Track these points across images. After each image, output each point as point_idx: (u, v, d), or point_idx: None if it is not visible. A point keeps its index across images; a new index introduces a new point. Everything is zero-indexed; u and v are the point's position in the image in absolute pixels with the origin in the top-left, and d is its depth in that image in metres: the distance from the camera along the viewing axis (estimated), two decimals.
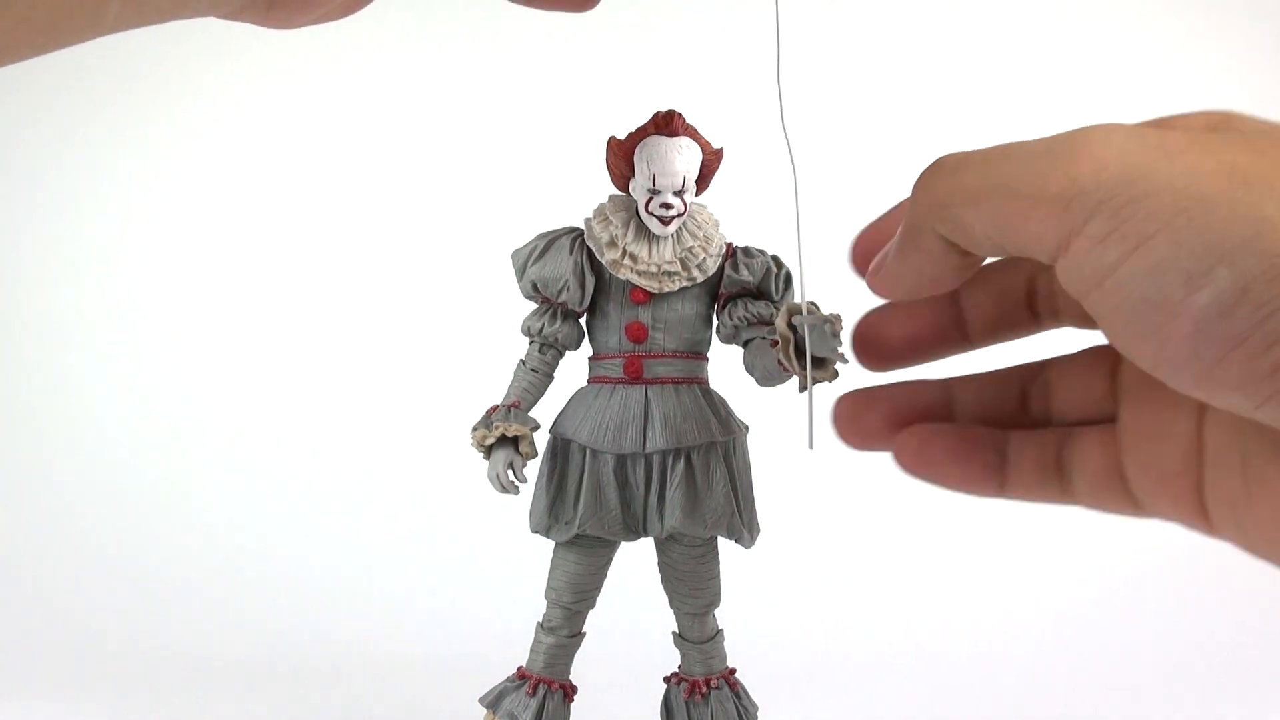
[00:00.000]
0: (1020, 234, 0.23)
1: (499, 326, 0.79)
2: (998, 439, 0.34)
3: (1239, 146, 0.22)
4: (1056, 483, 0.33)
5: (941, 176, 0.26)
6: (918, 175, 0.28)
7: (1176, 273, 0.21)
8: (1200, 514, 0.28)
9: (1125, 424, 0.32)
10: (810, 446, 0.45)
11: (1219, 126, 0.25)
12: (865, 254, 0.32)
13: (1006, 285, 0.36)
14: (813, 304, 0.58)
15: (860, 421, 0.36)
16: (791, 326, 0.55)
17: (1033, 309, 0.36)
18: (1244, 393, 0.21)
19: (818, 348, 0.54)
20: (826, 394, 0.42)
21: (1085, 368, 0.35)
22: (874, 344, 0.35)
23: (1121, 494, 0.31)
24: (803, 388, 0.57)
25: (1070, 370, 0.36)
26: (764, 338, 0.67)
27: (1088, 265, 0.22)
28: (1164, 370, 0.23)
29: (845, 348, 0.56)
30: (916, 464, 0.34)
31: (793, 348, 0.55)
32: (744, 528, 0.68)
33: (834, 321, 0.54)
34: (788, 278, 0.69)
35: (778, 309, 0.69)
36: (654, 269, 0.65)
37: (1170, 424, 0.29)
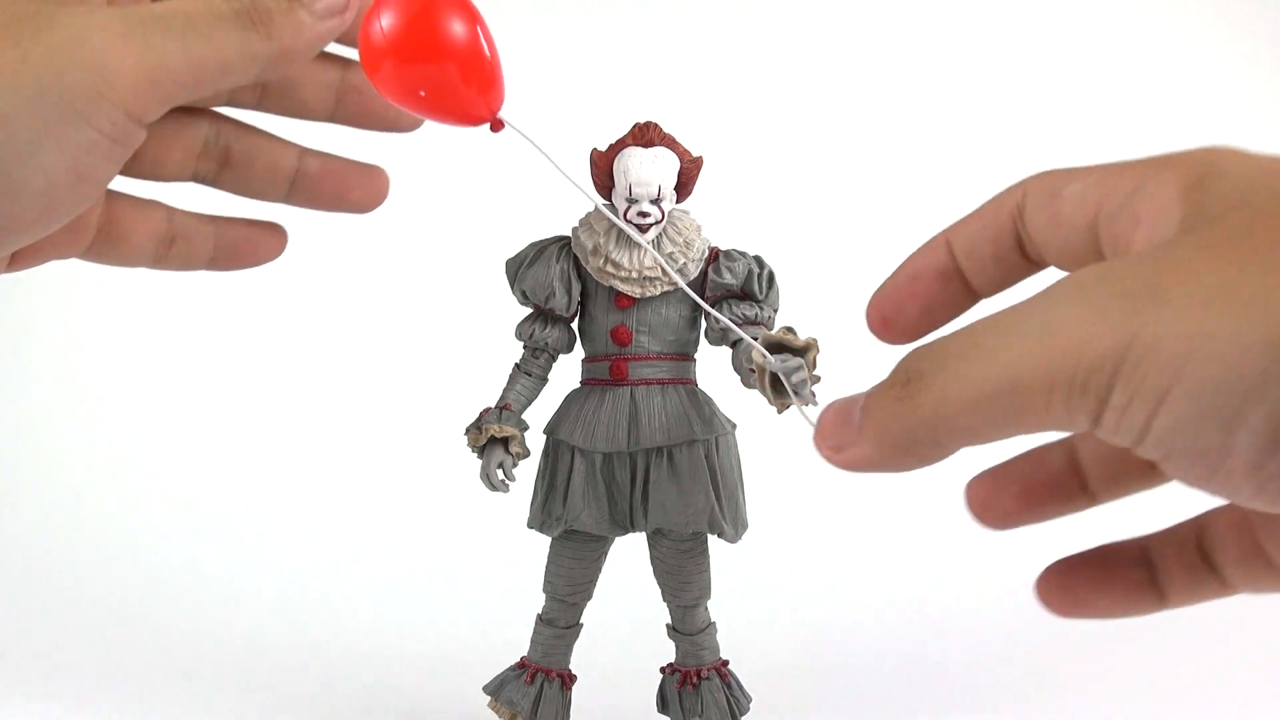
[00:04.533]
0: (1042, 423, 0.22)
1: (498, 331, 0.82)
2: (1138, 549, 0.31)
3: (1220, 256, 0.21)
4: (1212, 580, 0.29)
5: (925, 389, 0.24)
6: (883, 388, 0.26)
7: (1206, 420, 0.20)
8: None
9: None
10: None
11: (1200, 182, 0.23)
12: (883, 320, 0.31)
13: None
14: (789, 329, 0.60)
15: (995, 507, 0.32)
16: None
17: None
18: None
19: (793, 392, 0.55)
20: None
21: None
22: (988, 504, 0.32)
23: (1273, 573, 0.28)
24: (779, 411, 0.59)
25: None
26: (753, 338, 0.70)
27: (1122, 431, 0.21)
28: (1238, 500, 0.22)
29: (821, 386, 0.58)
30: (1069, 607, 0.31)
31: (767, 378, 0.57)
32: (725, 523, 0.70)
33: (806, 365, 0.56)
34: (770, 277, 0.71)
35: (762, 308, 0.71)
36: (635, 275, 0.68)
37: None
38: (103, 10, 0.27)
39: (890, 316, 0.30)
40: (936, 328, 0.30)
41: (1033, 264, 0.29)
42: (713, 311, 0.34)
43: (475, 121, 0.32)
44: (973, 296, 0.29)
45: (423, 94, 0.31)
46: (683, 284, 0.35)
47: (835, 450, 0.27)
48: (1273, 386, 0.19)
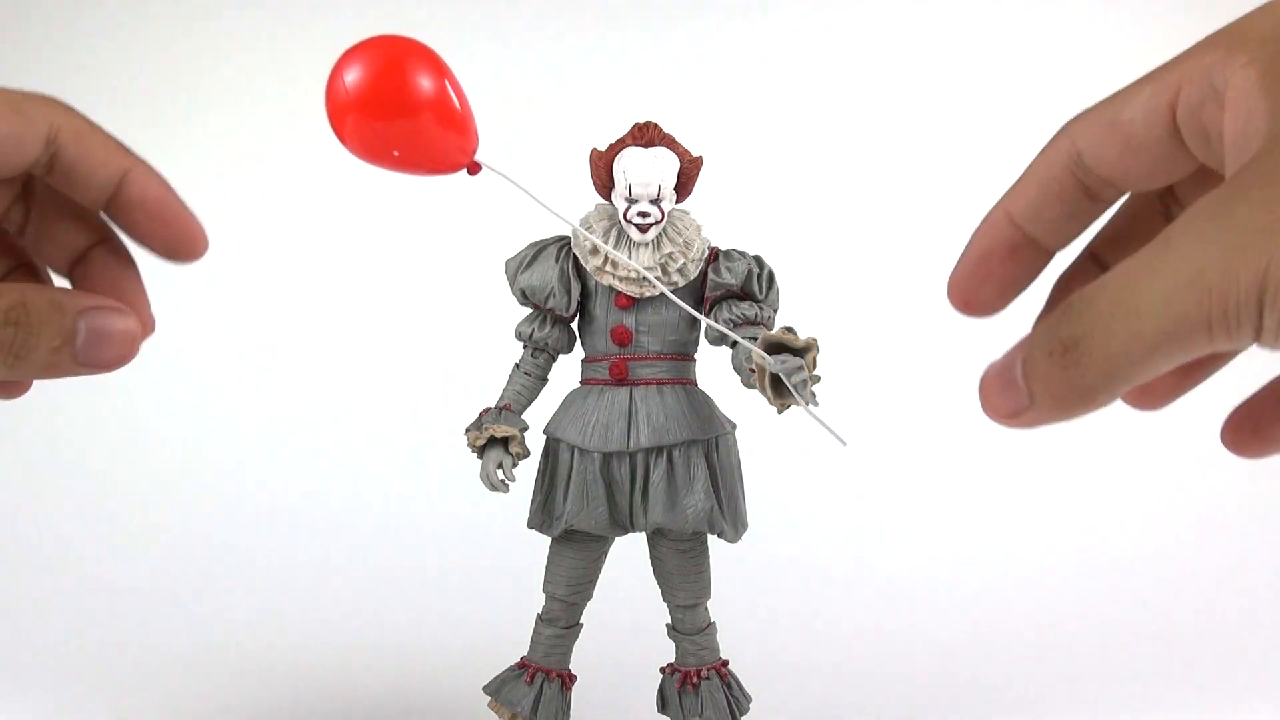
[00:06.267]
0: (1208, 351, 0.24)
1: (498, 331, 0.82)
2: None
3: None
4: None
5: (1089, 354, 0.26)
6: (1041, 357, 0.27)
7: None
8: None
9: None
10: (844, 444, 0.46)
11: (1276, 66, 0.24)
12: (966, 304, 0.32)
13: None
14: (789, 329, 0.60)
15: (1254, 443, 0.33)
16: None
17: None
18: None
19: (794, 391, 0.55)
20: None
21: None
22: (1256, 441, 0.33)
23: None
24: (779, 411, 0.59)
25: None
26: (752, 338, 0.70)
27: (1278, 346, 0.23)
28: None
29: (821, 385, 0.58)
30: (1261, 445, 0.32)
31: (768, 379, 0.57)
32: (725, 523, 0.70)
33: (806, 365, 0.56)
34: (770, 277, 0.71)
35: (762, 308, 0.71)
36: (634, 274, 0.68)
37: None
38: None
39: (972, 300, 0.31)
40: (1017, 296, 0.31)
41: (1103, 203, 0.30)
42: (706, 320, 0.34)
43: (452, 169, 0.32)
44: (1047, 256, 0.31)
45: (397, 154, 0.30)
46: (674, 297, 0.35)
47: (1010, 417, 0.29)
48: None
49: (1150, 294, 0.24)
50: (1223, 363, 0.32)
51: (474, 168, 0.33)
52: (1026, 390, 0.27)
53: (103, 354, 0.29)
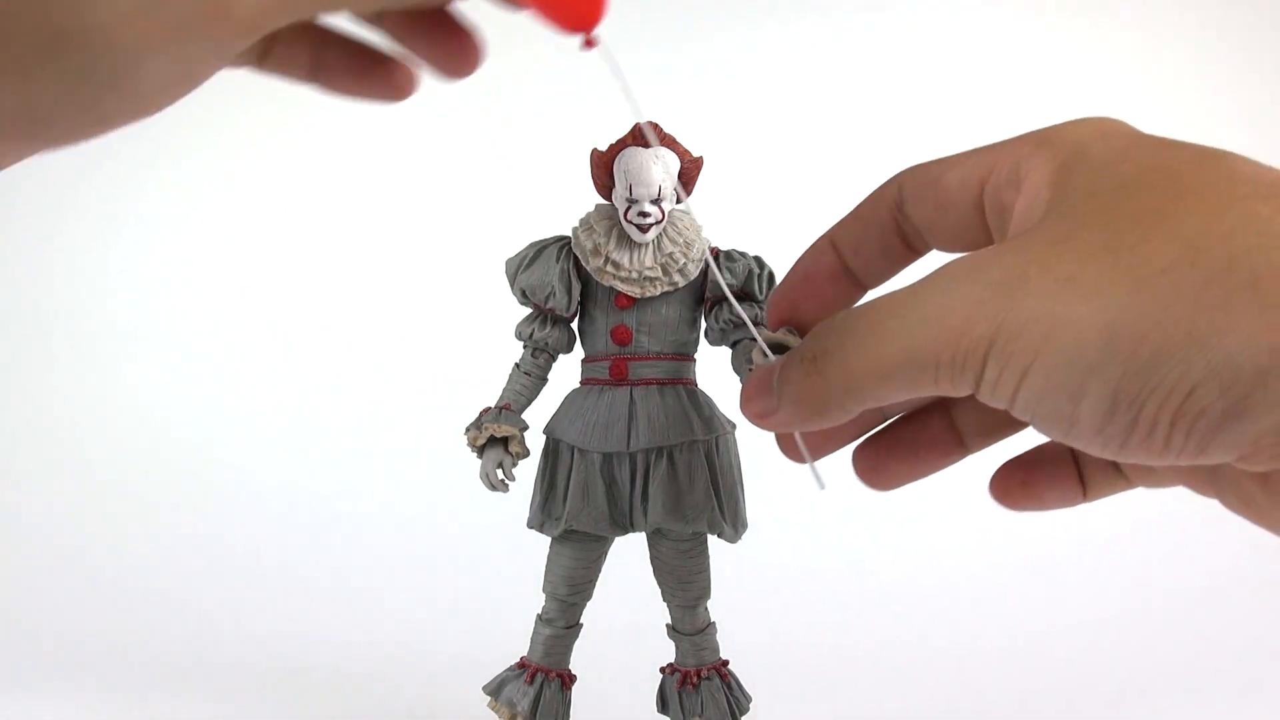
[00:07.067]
0: (932, 390, 0.26)
1: (498, 331, 0.82)
2: (1065, 450, 0.34)
3: (1072, 249, 0.24)
4: (1119, 478, 0.33)
5: (831, 365, 0.28)
6: (794, 363, 0.29)
7: (1058, 393, 0.24)
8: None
9: None
10: (821, 488, 0.46)
11: (1067, 166, 0.26)
12: (780, 321, 0.35)
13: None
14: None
15: (883, 470, 0.36)
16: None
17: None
18: (1156, 463, 0.24)
19: None
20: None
21: None
22: (878, 476, 0.35)
23: (1156, 476, 0.31)
24: None
25: None
26: (752, 339, 0.70)
27: (996, 398, 0.25)
28: (1090, 451, 0.26)
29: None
30: (1023, 501, 0.35)
31: None
32: (725, 523, 0.70)
33: None
34: (770, 278, 0.71)
35: (762, 308, 0.71)
36: (635, 275, 0.68)
37: None
38: None
39: (788, 315, 0.34)
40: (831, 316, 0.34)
41: (914, 252, 0.33)
42: (732, 300, 0.35)
43: (576, 29, 0.32)
44: (861, 289, 0.34)
45: None
46: (695, 284, 0.35)
47: (759, 416, 0.31)
48: (1107, 364, 0.23)
49: (898, 323, 0.26)
50: (957, 457, 0.35)
51: (591, 41, 0.33)
52: (778, 394, 0.30)
53: None
